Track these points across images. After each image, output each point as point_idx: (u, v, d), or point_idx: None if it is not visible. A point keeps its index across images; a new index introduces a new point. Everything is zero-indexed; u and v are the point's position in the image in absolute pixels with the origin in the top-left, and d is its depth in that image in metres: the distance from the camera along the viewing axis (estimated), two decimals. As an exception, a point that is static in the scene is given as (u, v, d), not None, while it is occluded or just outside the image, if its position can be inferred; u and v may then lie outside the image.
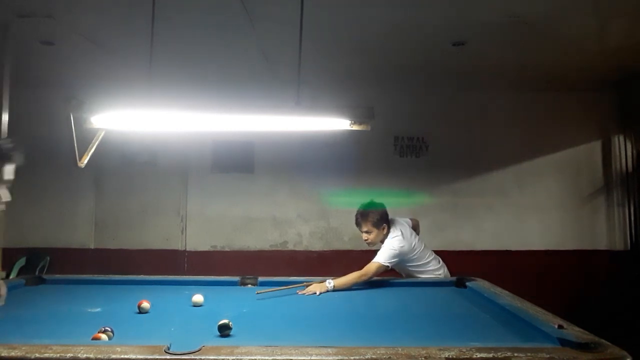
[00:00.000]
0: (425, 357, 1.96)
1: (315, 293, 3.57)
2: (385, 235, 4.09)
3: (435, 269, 4.23)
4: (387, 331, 2.67)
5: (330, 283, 3.66)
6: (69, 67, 5.42)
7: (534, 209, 6.45)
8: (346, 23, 4.24)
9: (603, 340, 2.11)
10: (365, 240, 4.17)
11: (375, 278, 4.08)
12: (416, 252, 4.12)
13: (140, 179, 6.48)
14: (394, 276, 4.20)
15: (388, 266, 3.92)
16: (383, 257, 3.90)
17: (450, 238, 6.31)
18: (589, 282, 6.24)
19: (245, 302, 3.34)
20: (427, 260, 4.20)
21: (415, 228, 4.51)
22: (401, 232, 4.07)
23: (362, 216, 4.15)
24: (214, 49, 4.86)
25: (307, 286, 3.65)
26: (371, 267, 3.86)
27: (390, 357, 1.96)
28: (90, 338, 2.24)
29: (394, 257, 3.93)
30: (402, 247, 3.97)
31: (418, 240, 4.22)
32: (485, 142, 6.51)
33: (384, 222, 4.12)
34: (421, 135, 6.52)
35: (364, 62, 5.34)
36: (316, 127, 3.33)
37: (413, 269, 4.18)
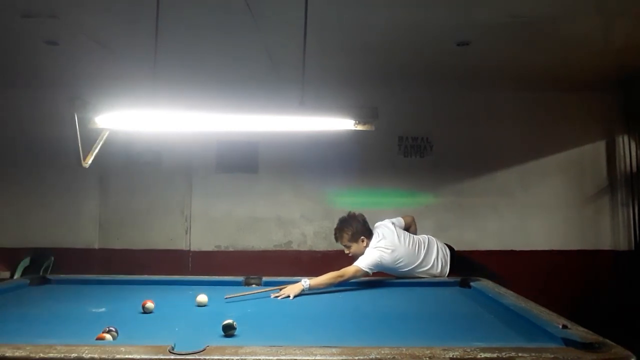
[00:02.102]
0: (429, 357, 1.96)
1: (289, 296, 3.51)
2: (367, 245, 4.07)
3: (426, 270, 4.16)
4: (391, 331, 2.67)
5: (306, 282, 3.61)
6: (73, 67, 5.44)
7: (538, 209, 6.45)
8: (350, 23, 4.24)
9: (607, 340, 2.11)
10: (347, 253, 4.16)
11: (379, 278, 4.09)
12: (401, 260, 4.04)
13: (144, 179, 6.49)
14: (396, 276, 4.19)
15: (368, 272, 3.88)
16: (364, 262, 3.87)
17: (454, 238, 6.24)
18: (593, 282, 6.23)
19: (249, 302, 3.34)
20: (417, 263, 4.12)
21: (410, 226, 4.47)
22: (384, 242, 4.03)
23: (339, 232, 4.17)
24: (218, 49, 4.87)
25: (282, 289, 3.60)
26: (350, 269, 3.83)
27: (394, 357, 1.96)
28: (95, 338, 2.24)
29: (374, 265, 3.90)
30: (383, 258, 3.93)
31: (409, 241, 4.14)
32: (489, 142, 6.50)
33: (360, 235, 4.09)
34: (425, 135, 6.52)
35: (368, 62, 5.34)
36: (320, 127, 3.34)
37: (402, 273, 4.14)
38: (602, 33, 4.54)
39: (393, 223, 4.27)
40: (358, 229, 4.10)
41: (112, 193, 6.52)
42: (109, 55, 4.97)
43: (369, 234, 4.11)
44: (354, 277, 3.84)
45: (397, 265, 4.03)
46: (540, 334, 2.39)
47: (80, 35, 4.46)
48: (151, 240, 6.42)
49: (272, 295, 3.54)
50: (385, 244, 4.00)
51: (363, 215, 4.19)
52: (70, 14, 4.05)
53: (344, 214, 4.25)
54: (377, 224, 4.24)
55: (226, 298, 3.37)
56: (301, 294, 3.56)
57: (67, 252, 6.23)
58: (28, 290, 3.73)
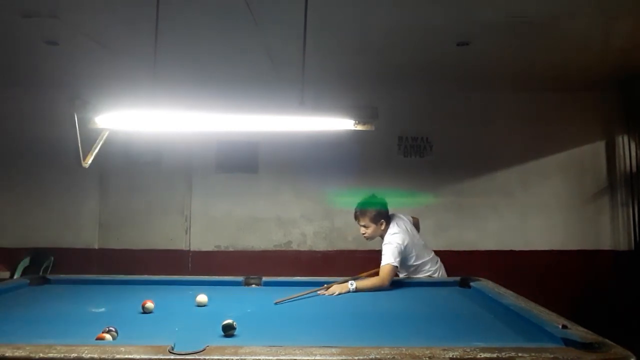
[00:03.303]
0: (429, 357, 1.96)
1: (335, 293, 3.57)
2: (384, 231, 4.10)
3: (432, 271, 4.24)
4: (391, 331, 2.67)
5: (352, 284, 3.66)
6: (73, 67, 5.43)
7: (538, 209, 6.45)
8: (350, 23, 4.24)
9: (607, 340, 2.11)
10: (363, 234, 4.20)
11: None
12: (416, 248, 4.14)
13: (144, 179, 6.49)
14: (396, 276, 4.19)
15: (397, 265, 3.91)
16: (390, 257, 3.89)
17: (454, 238, 6.31)
18: (593, 282, 6.23)
19: (249, 302, 3.34)
20: (425, 260, 4.21)
21: (416, 226, 4.51)
22: (400, 227, 4.09)
23: (361, 211, 4.18)
24: (218, 49, 4.87)
25: (328, 288, 3.63)
26: (384, 272, 3.84)
27: (394, 357, 1.96)
28: (95, 338, 2.24)
29: (399, 253, 3.93)
30: (404, 241, 3.99)
31: (418, 237, 4.25)
32: (489, 142, 6.50)
33: (382, 217, 4.14)
34: (425, 135, 6.52)
35: (368, 62, 5.34)
36: (320, 127, 3.34)
37: (411, 267, 4.18)
38: (602, 33, 4.54)
39: (405, 215, 4.33)
40: (382, 212, 4.15)
41: (112, 193, 6.52)
42: (109, 55, 4.96)
43: (388, 220, 4.15)
44: (391, 275, 3.87)
45: (413, 252, 4.10)
46: (540, 334, 2.39)
47: (80, 35, 4.46)
48: (151, 240, 6.42)
49: (319, 293, 3.58)
50: (403, 229, 4.09)
51: (385, 200, 4.23)
52: (70, 14, 4.04)
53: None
54: (390, 213, 4.26)
55: (276, 303, 3.33)
56: (347, 293, 3.62)
57: (67, 252, 6.23)
58: (28, 290, 3.73)
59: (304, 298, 3.46)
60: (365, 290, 3.71)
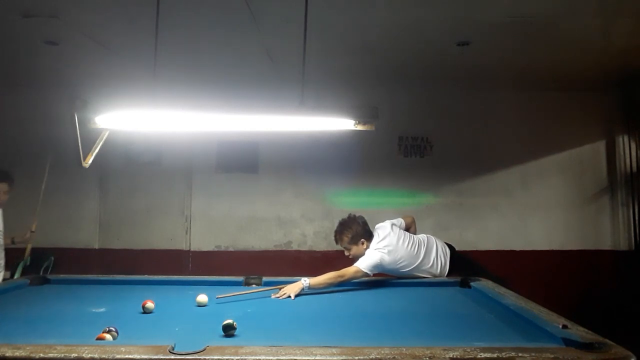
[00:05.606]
0: (429, 357, 1.96)
1: (290, 296, 3.50)
2: (367, 247, 4.04)
3: (427, 269, 4.14)
4: (391, 331, 2.67)
5: (305, 281, 3.61)
6: (73, 67, 5.44)
7: (538, 209, 6.44)
8: (350, 23, 4.24)
9: (607, 340, 2.11)
10: (347, 255, 4.15)
11: (379, 278, 4.09)
12: (402, 261, 4.03)
13: (144, 179, 6.49)
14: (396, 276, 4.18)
15: (368, 273, 3.88)
16: (364, 264, 3.86)
17: (454, 238, 6.24)
18: (593, 282, 6.23)
19: (249, 302, 3.34)
20: (417, 264, 4.09)
21: (410, 227, 4.46)
22: (384, 243, 4.01)
23: (339, 235, 4.15)
24: (218, 48, 4.87)
25: (281, 289, 3.59)
26: (350, 270, 3.83)
27: (394, 357, 1.96)
28: (95, 338, 2.24)
29: (375, 266, 3.89)
30: (383, 259, 3.92)
31: (409, 242, 4.12)
32: (489, 142, 6.50)
33: (360, 237, 4.07)
34: (425, 135, 6.51)
35: (368, 62, 5.34)
36: (320, 127, 3.34)
37: (404, 274, 4.13)
38: (602, 33, 4.54)
39: (393, 224, 4.25)
40: (358, 231, 4.09)
41: (112, 193, 6.52)
42: (109, 55, 4.96)
43: (369, 236, 4.10)
44: (353, 277, 3.84)
45: (398, 266, 4.03)
46: (540, 334, 2.39)
47: (80, 35, 4.46)
48: (151, 240, 6.42)
49: (273, 296, 3.53)
50: (385, 245, 3.99)
51: (363, 217, 4.18)
52: (70, 14, 4.04)
53: (344, 216, 4.24)
54: (377, 226, 4.23)
55: (217, 298, 3.35)
56: (301, 293, 3.56)
57: (67, 252, 6.22)
58: (28, 290, 3.73)
59: (256, 297, 3.48)
60: (322, 285, 3.68)
